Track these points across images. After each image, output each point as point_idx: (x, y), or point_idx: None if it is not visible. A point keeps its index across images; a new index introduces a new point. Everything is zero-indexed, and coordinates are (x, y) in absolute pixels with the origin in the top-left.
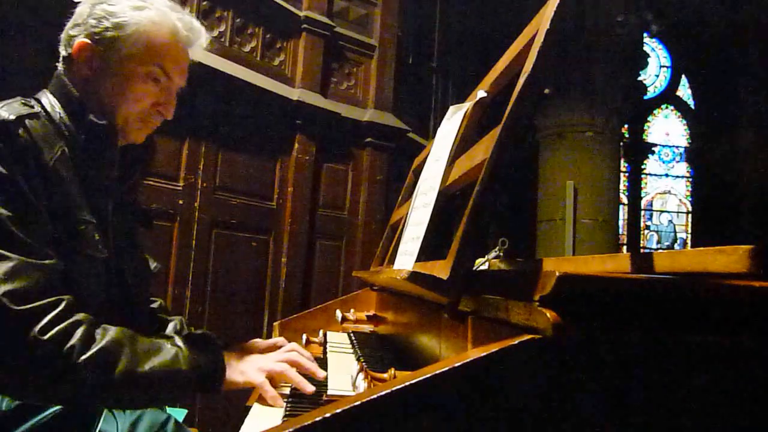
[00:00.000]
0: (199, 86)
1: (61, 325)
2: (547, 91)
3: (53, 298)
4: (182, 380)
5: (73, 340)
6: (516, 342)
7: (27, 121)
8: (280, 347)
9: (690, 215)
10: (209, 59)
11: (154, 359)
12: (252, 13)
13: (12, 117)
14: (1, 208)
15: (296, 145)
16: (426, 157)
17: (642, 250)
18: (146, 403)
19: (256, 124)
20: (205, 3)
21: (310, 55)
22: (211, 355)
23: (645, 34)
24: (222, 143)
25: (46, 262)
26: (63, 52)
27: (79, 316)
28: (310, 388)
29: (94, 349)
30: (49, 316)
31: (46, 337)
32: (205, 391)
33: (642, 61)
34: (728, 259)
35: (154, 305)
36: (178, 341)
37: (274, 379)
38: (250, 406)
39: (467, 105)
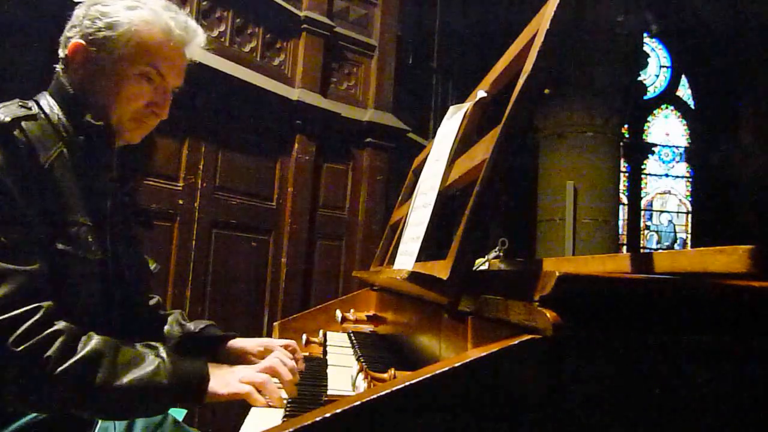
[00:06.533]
0: (199, 86)
1: (38, 336)
2: (547, 91)
3: (31, 306)
4: (161, 393)
5: (50, 351)
6: (516, 342)
7: (23, 123)
8: (269, 348)
9: (690, 215)
10: (209, 59)
11: (134, 372)
12: (252, 13)
13: (7, 119)
14: None
15: (296, 145)
16: (426, 157)
17: (642, 250)
18: (125, 415)
19: (256, 124)
20: (205, 3)
21: (310, 55)
22: (196, 367)
23: (645, 34)
24: (222, 143)
25: (28, 267)
26: (61, 54)
27: (60, 325)
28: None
29: (71, 361)
30: (24, 326)
31: (20, 348)
32: (187, 404)
33: (642, 61)
34: (728, 259)
35: (152, 302)
36: (162, 352)
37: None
38: (251, 407)
39: (467, 105)
